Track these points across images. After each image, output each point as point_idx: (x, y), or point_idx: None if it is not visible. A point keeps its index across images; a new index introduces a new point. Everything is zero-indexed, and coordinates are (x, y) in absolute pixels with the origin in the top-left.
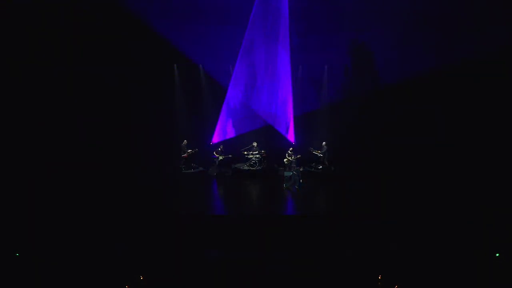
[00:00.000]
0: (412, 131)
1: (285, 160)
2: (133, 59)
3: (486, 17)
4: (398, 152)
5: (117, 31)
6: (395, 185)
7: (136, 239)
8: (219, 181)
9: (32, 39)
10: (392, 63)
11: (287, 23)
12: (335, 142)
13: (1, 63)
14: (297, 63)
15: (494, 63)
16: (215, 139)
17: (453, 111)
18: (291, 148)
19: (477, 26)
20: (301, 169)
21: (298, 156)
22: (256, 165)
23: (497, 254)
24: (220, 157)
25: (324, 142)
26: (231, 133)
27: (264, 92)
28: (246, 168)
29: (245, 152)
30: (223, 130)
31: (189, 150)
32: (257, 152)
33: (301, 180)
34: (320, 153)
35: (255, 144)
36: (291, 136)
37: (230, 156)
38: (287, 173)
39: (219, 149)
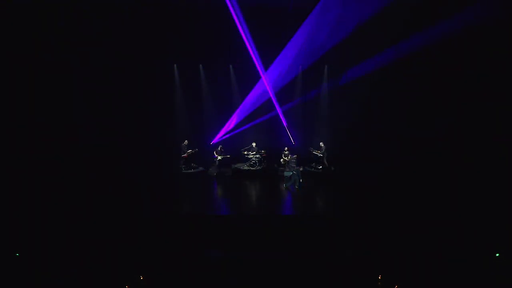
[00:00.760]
0: (412, 131)
1: (281, 160)
2: (133, 59)
3: None
4: (398, 152)
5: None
6: (395, 185)
7: (136, 239)
8: (219, 181)
9: (30, 37)
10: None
11: None
12: (335, 142)
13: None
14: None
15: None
16: (215, 139)
17: (452, 110)
18: (286, 148)
19: None
20: (301, 169)
21: (294, 156)
22: (256, 165)
23: (497, 254)
24: (220, 157)
25: (321, 142)
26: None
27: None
28: (246, 168)
29: (245, 152)
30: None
31: (189, 150)
32: (255, 152)
33: (301, 180)
34: (320, 153)
35: (254, 144)
36: (291, 136)
37: (228, 156)
38: (287, 173)
39: (219, 149)
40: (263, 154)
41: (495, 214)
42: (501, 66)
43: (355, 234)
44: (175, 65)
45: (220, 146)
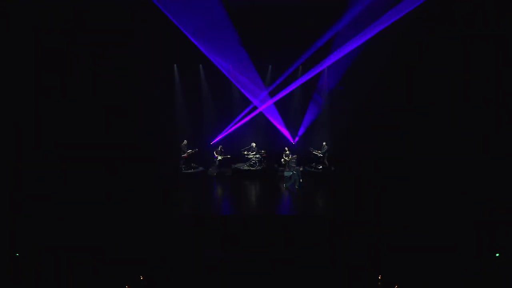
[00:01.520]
0: (412, 131)
1: (282, 160)
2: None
3: None
4: (398, 151)
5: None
6: (395, 185)
7: (136, 239)
8: (219, 181)
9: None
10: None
11: None
12: (335, 142)
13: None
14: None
15: None
16: (215, 139)
17: (452, 110)
18: (286, 148)
19: None
20: (301, 169)
21: (294, 156)
22: (256, 165)
23: (497, 254)
24: (220, 157)
25: (324, 142)
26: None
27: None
28: (246, 168)
29: (245, 152)
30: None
31: (189, 150)
32: (255, 152)
33: (301, 180)
34: (320, 153)
35: (253, 144)
36: (291, 137)
37: (229, 156)
38: (287, 173)
39: (219, 149)
40: (263, 154)
41: (495, 214)
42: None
43: (355, 234)
44: (175, 65)
45: (220, 146)
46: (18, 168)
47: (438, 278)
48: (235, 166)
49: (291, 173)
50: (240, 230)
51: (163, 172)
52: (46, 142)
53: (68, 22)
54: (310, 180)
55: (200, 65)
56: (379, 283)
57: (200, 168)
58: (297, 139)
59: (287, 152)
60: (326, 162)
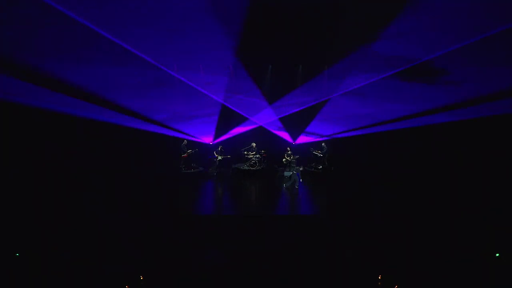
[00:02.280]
0: (412, 130)
1: (283, 160)
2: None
3: None
4: (398, 151)
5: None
6: (395, 185)
7: (136, 239)
8: (219, 181)
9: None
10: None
11: None
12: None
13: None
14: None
15: None
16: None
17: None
18: (289, 148)
19: None
20: (301, 169)
21: (297, 156)
22: (256, 165)
23: (497, 254)
24: (220, 157)
25: (323, 143)
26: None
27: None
28: (246, 168)
29: (245, 152)
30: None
31: (189, 150)
32: (255, 152)
33: (301, 180)
34: (320, 153)
35: (254, 144)
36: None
37: (229, 156)
38: (287, 173)
39: (219, 149)
40: (263, 154)
41: (495, 214)
42: None
43: (355, 234)
44: (175, 65)
45: (220, 146)
46: (17, 167)
47: (438, 278)
48: (235, 166)
49: (291, 173)
50: (240, 230)
51: (163, 172)
52: (46, 141)
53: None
54: (310, 180)
55: (201, 65)
56: (379, 283)
57: (200, 168)
58: (297, 140)
59: (289, 152)
60: (326, 162)
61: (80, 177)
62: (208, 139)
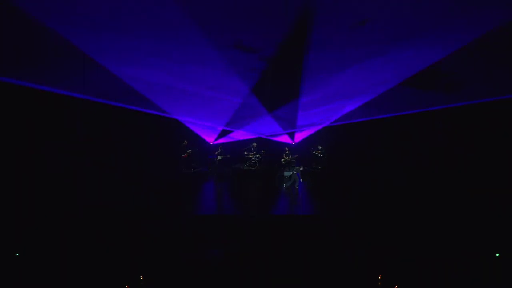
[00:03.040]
0: (412, 131)
1: (282, 160)
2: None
3: None
4: (398, 151)
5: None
6: (395, 185)
7: (136, 239)
8: (219, 181)
9: None
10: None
11: None
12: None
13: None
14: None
15: None
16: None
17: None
18: (287, 148)
19: None
20: (301, 169)
21: (295, 156)
22: (256, 165)
23: (497, 254)
24: (220, 157)
25: (320, 146)
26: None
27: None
28: (246, 168)
29: (245, 152)
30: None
31: (189, 150)
32: (255, 152)
33: (301, 180)
34: (320, 153)
35: (254, 144)
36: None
37: (229, 156)
38: (287, 173)
39: (219, 149)
40: (263, 154)
41: (495, 214)
42: None
43: (355, 234)
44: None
45: (220, 146)
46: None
47: (438, 278)
48: (235, 166)
49: (291, 173)
50: (240, 230)
51: (163, 172)
52: (45, 141)
53: None
54: (310, 180)
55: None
56: (379, 283)
57: (200, 168)
58: (297, 140)
59: (287, 152)
60: (326, 162)
61: (80, 176)
62: (209, 139)
